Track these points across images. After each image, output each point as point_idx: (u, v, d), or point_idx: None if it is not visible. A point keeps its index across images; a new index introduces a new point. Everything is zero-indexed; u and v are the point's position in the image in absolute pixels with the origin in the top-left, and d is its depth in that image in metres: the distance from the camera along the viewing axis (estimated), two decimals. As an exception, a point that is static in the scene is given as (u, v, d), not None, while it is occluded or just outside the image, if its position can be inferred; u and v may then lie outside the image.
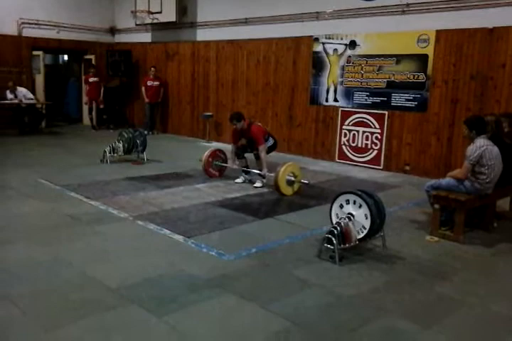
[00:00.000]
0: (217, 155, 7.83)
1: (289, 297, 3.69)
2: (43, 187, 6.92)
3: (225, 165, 7.76)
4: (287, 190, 6.82)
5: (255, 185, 7.24)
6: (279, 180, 6.68)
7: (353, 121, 9.28)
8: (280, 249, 4.73)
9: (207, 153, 7.73)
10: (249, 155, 7.58)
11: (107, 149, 8.63)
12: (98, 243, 4.75)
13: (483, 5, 7.46)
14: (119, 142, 8.70)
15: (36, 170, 7.86)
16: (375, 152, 8.99)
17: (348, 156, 9.43)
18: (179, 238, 4.92)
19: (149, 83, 12.81)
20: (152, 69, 12.84)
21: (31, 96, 12.27)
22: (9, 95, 11.87)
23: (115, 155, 8.68)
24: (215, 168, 7.78)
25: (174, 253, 4.56)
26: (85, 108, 14.16)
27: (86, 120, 14.25)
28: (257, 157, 7.30)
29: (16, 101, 11.82)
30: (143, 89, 12.93)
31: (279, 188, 6.73)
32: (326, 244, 4.41)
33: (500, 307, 3.66)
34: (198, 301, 3.57)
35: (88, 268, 4.09)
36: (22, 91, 12.10)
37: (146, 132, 12.36)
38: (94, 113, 13.70)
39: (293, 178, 6.82)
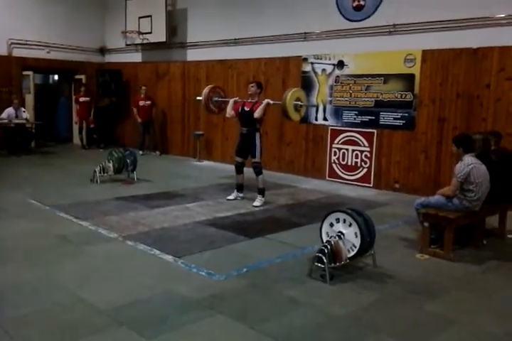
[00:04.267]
0: (216, 91, 7.86)
1: (279, 317, 3.67)
2: (33, 207, 6.87)
3: (225, 99, 7.77)
4: (295, 116, 6.94)
5: (254, 204, 7.22)
6: (288, 106, 6.73)
7: (343, 140, 9.35)
8: (271, 269, 4.72)
9: (206, 90, 7.72)
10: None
11: (97, 169, 8.61)
12: (88, 264, 4.72)
13: (467, 26, 7.61)
14: (109, 162, 8.69)
15: (26, 190, 7.82)
16: (365, 170, 9.05)
17: (338, 174, 9.48)
18: (169, 258, 4.89)
19: (141, 103, 12.69)
20: (143, 88, 12.74)
21: (26, 116, 12.28)
22: (11, 112, 11.92)
23: (105, 174, 8.66)
24: (215, 104, 7.79)
25: (164, 273, 4.54)
26: (75, 127, 14.14)
27: (76, 139, 14.23)
28: (257, 172, 7.28)
29: (6, 121, 11.82)
30: (135, 110, 12.79)
31: (287, 114, 6.81)
32: (316, 263, 4.41)
33: (490, 325, 3.67)
34: (188, 322, 3.55)
35: (77, 290, 4.05)
36: (21, 110, 12.21)
37: (141, 152, 12.39)
38: (84, 132, 13.71)
39: (300, 103, 6.88)
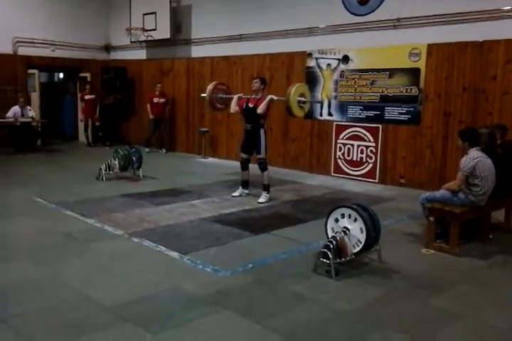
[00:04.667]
0: (220, 88, 7.81)
1: (284, 313, 3.67)
2: (39, 205, 6.90)
3: (229, 96, 7.69)
4: (299, 112, 6.89)
5: (259, 201, 7.22)
6: (291, 102, 6.67)
7: (348, 135, 9.33)
8: (276, 264, 4.72)
9: (210, 86, 7.68)
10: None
11: (103, 166, 8.63)
12: (93, 261, 4.73)
13: (472, 19, 7.56)
14: (114, 159, 8.71)
15: (31, 188, 7.85)
16: (370, 165, 9.02)
17: (343, 170, 9.46)
18: (175, 254, 4.90)
19: (155, 100, 12.58)
20: (158, 85, 12.62)
21: (32, 114, 12.33)
22: (17, 111, 11.97)
23: (111, 172, 8.68)
24: (220, 101, 7.75)
25: (170, 270, 4.55)
26: (81, 125, 14.17)
27: (82, 137, 14.26)
28: (262, 169, 7.28)
29: (12, 119, 11.87)
30: (148, 105, 12.66)
31: (291, 110, 6.75)
32: (321, 259, 4.40)
33: (496, 319, 3.66)
34: (194, 318, 3.55)
35: (83, 287, 4.07)
36: (27, 109, 12.29)
37: (147, 149, 12.37)
38: (89, 130, 13.73)
39: (303, 99, 6.84)
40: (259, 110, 7.03)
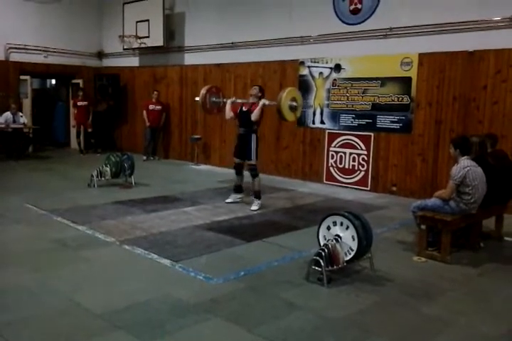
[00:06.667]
0: (214, 91, 7.84)
1: (276, 320, 3.67)
2: (30, 212, 6.86)
3: (223, 100, 7.71)
4: (290, 116, 6.89)
5: (252, 208, 7.22)
6: (282, 106, 6.68)
7: (340, 143, 9.36)
8: (268, 272, 4.72)
9: (203, 90, 7.67)
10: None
11: (95, 173, 8.59)
12: (84, 268, 4.71)
13: (463, 29, 7.64)
14: (106, 166, 8.67)
15: (22, 195, 7.80)
16: (362, 173, 9.06)
17: (335, 178, 9.48)
18: (166, 262, 4.89)
19: (151, 107, 12.52)
20: (155, 92, 12.57)
21: (23, 120, 12.28)
22: (9, 117, 11.93)
23: (103, 179, 8.64)
24: (213, 105, 7.77)
25: (161, 277, 4.53)
26: (73, 132, 14.11)
27: (74, 144, 14.19)
28: (253, 175, 7.29)
29: (3, 125, 11.81)
30: (144, 112, 12.59)
31: (282, 115, 6.77)
32: (313, 266, 4.41)
33: (488, 327, 3.67)
34: (186, 326, 3.54)
35: (74, 294, 4.04)
36: (19, 115, 12.24)
37: (144, 157, 12.35)
38: (81, 137, 13.67)
39: (294, 103, 6.84)
40: (253, 117, 7.08)
